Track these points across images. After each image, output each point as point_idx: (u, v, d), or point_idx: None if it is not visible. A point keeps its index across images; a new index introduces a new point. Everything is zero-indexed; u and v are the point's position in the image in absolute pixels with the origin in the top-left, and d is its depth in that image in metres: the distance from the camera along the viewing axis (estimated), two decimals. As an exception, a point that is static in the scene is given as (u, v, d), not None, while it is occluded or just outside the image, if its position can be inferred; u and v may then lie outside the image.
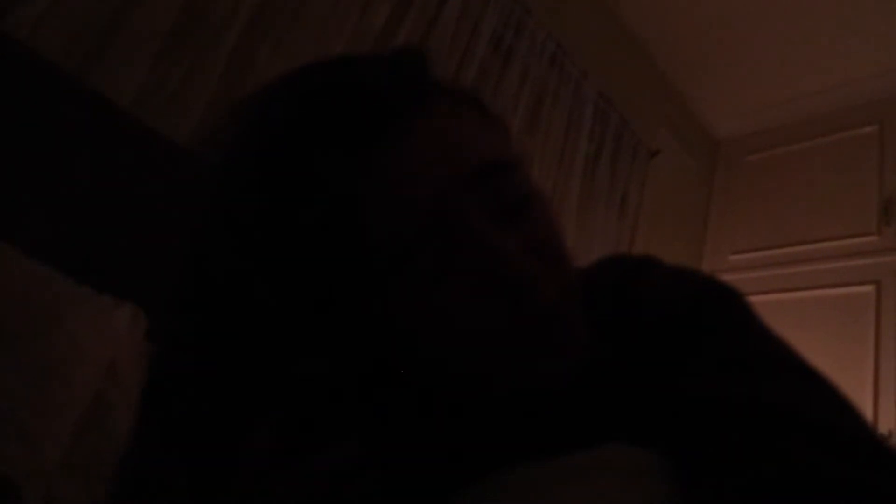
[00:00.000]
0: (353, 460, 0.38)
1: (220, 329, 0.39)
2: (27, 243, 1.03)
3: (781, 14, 2.40)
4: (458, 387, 0.42)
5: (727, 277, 0.44)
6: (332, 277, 0.38)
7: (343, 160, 0.38)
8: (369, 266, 0.38)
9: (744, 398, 0.33)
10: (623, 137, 2.48)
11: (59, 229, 1.12)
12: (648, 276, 0.45)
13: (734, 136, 3.03)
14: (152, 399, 0.42)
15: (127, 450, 0.42)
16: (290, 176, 0.38)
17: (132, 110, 1.29)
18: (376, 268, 0.38)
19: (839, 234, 2.37)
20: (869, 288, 2.20)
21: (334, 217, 0.38)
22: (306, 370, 0.38)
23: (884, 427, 1.91)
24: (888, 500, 0.27)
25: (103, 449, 0.96)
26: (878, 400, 1.98)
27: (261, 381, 0.38)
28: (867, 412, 1.97)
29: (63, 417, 0.95)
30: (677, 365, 0.38)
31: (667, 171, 2.69)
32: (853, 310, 2.19)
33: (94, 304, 1.06)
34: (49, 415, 0.93)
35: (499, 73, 2.04)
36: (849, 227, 2.36)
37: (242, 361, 0.38)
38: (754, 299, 0.42)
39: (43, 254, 1.05)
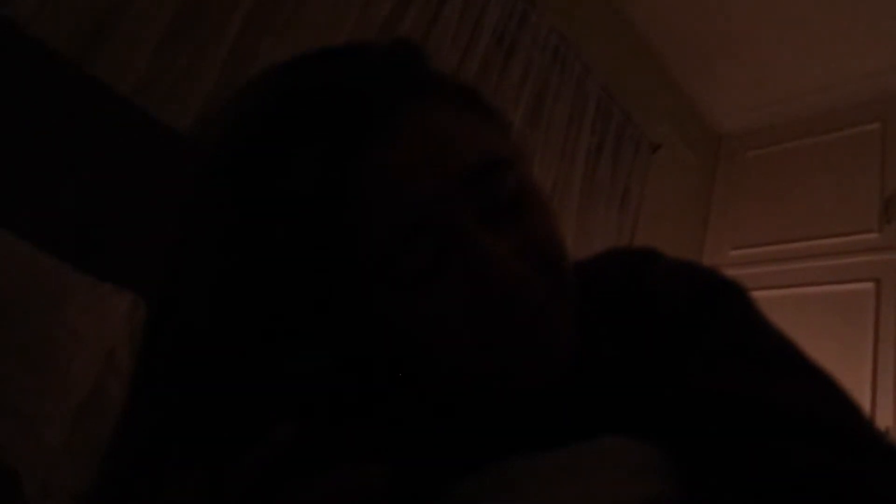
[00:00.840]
0: (351, 454, 0.38)
1: (212, 326, 0.38)
2: (27, 230, 1.03)
3: (786, 10, 2.39)
4: (451, 384, 0.42)
5: (727, 273, 0.43)
6: (321, 278, 0.38)
7: (327, 159, 0.37)
8: (358, 268, 0.38)
9: (745, 394, 0.33)
10: (625, 132, 2.47)
11: (59, 217, 1.12)
12: (651, 269, 0.45)
13: (736, 132, 3.02)
14: (142, 390, 0.41)
15: (115, 443, 0.42)
16: (271, 176, 0.37)
17: (133, 99, 1.28)
18: (365, 269, 0.38)
19: (840, 231, 2.36)
20: (869, 285, 2.20)
21: (318, 220, 0.37)
22: (305, 365, 0.38)
23: (881, 424, 1.91)
24: (888, 495, 0.26)
25: (102, 435, 0.96)
26: (875, 397, 1.98)
27: (256, 376, 0.37)
28: (865, 409, 1.97)
29: (62, 404, 0.95)
30: (679, 359, 0.38)
31: (668, 166, 2.69)
32: (853, 307, 2.19)
33: (94, 291, 1.06)
34: (48, 401, 0.93)
35: (501, 67, 2.03)
36: (849, 224, 2.35)
37: (236, 358, 0.37)
38: (754, 295, 0.42)
39: (42, 241, 1.04)
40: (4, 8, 1.16)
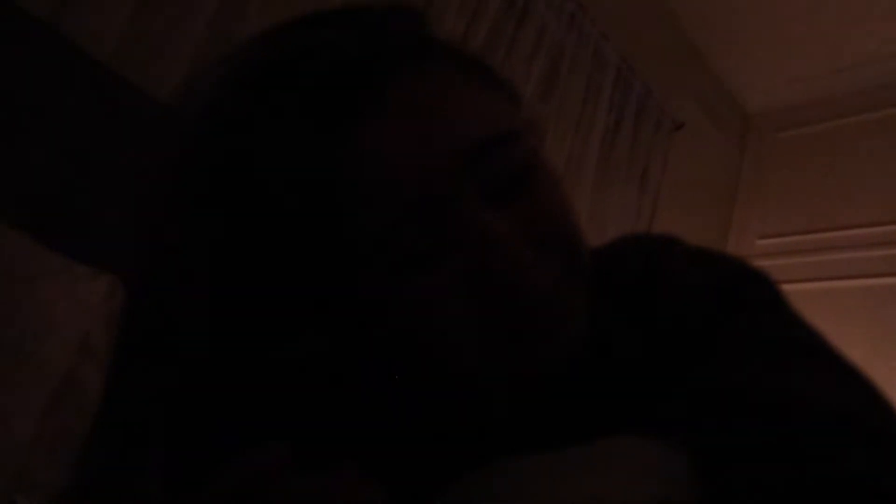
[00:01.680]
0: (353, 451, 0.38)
1: (196, 317, 0.38)
2: (2, 210, 1.04)
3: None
4: (451, 376, 0.42)
5: (754, 263, 0.44)
6: (311, 266, 0.38)
7: (313, 138, 0.37)
8: (350, 253, 0.38)
9: (769, 390, 0.33)
10: (646, 107, 2.46)
11: (31, 193, 1.12)
12: (671, 257, 0.45)
13: (766, 111, 3.00)
14: (121, 385, 0.42)
15: (92, 438, 0.43)
16: (252, 159, 0.38)
17: (110, 63, 1.28)
18: (357, 255, 0.38)
19: (877, 219, 2.36)
20: (906, 279, 2.20)
21: (305, 204, 0.37)
22: (300, 351, 0.39)
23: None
24: None
25: (76, 424, 0.98)
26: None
27: (248, 370, 0.38)
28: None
29: (34, 393, 0.96)
30: (700, 354, 0.38)
31: (692, 145, 2.68)
32: (889, 302, 2.19)
33: (69, 273, 1.06)
34: (19, 390, 0.94)
35: (512, 33, 2.02)
36: (887, 212, 2.34)
37: (224, 351, 0.38)
38: (783, 287, 0.43)
39: (14, 219, 1.05)
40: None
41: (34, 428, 0.94)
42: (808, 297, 2.23)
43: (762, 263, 0.45)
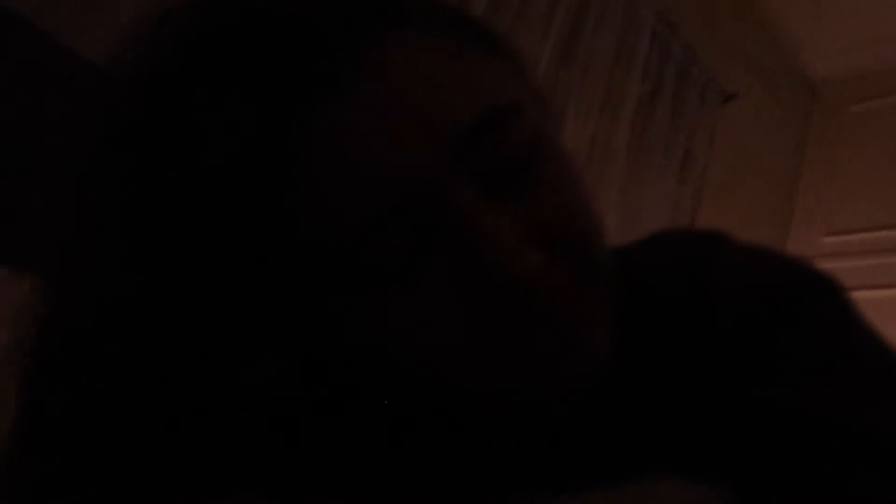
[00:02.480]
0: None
1: (112, 338, 0.38)
2: None
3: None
4: (441, 405, 0.42)
5: (818, 265, 0.44)
6: (257, 281, 0.37)
7: (261, 121, 0.36)
8: (305, 267, 0.38)
9: (832, 421, 0.34)
10: (688, 75, 2.46)
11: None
12: (718, 258, 0.45)
13: (836, 79, 3.02)
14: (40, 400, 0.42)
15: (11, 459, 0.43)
16: (185, 146, 0.36)
17: (35, 22, 1.28)
18: (315, 270, 0.38)
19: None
20: None
21: (249, 205, 0.36)
22: (254, 377, 0.38)
23: None
24: None
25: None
26: None
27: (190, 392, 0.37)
28: None
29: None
30: (749, 375, 0.38)
31: (745, 121, 2.69)
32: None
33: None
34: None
35: (525, -17, 2.03)
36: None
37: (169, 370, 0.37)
38: (853, 295, 0.43)
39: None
40: None
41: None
42: (882, 305, 2.24)
43: (830, 265, 0.45)
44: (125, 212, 0.38)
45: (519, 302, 0.37)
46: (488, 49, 0.43)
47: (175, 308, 0.37)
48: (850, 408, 0.34)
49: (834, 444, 0.33)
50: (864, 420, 0.33)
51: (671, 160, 2.40)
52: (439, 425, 0.44)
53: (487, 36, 0.44)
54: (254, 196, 0.36)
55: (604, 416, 0.43)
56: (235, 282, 0.37)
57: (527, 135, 0.41)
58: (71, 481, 0.37)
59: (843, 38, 2.91)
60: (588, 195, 0.44)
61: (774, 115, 2.89)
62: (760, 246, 0.47)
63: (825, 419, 0.34)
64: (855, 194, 2.71)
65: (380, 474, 0.42)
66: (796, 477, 0.33)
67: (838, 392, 0.36)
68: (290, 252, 0.37)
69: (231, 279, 0.36)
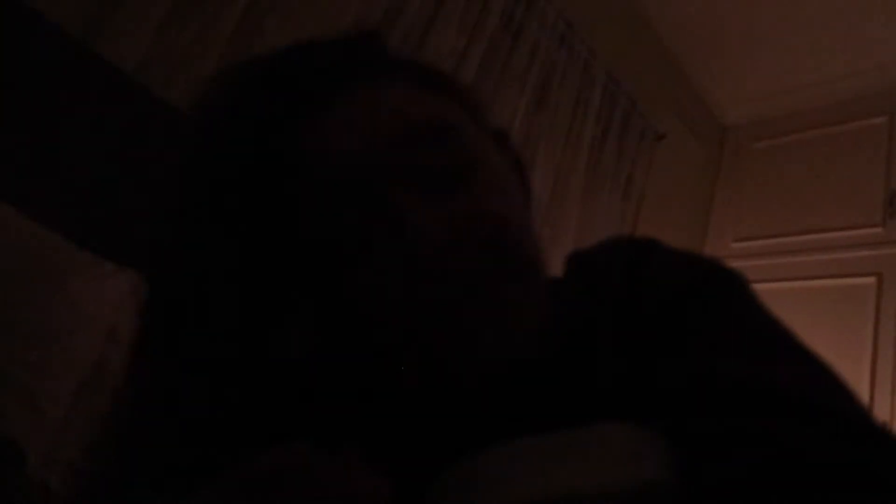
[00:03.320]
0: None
1: (189, 300, 0.39)
2: (30, 208, 1.04)
3: (794, 1, 2.37)
4: (408, 361, 0.41)
5: (729, 264, 0.44)
6: (272, 248, 0.39)
7: (269, 131, 0.39)
8: (296, 239, 0.39)
9: (742, 380, 0.33)
10: (630, 119, 2.46)
11: (62, 195, 1.13)
12: (651, 258, 0.45)
13: (742, 123, 3.01)
14: (139, 370, 0.42)
15: (112, 420, 0.43)
16: (220, 147, 0.40)
17: (136, 76, 1.28)
18: (302, 240, 0.39)
19: (843, 224, 2.36)
20: (870, 279, 2.20)
21: (261, 189, 0.39)
22: (292, 341, 0.38)
23: (878, 419, 1.92)
24: (887, 480, 0.27)
25: (104, 409, 0.98)
26: (874, 392, 1.99)
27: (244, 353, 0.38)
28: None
29: (64, 380, 0.96)
30: (675, 344, 0.38)
31: (673, 155, 2.68)
32: (853, 301, 2.20)
33: (96, 270, 1.06)
34: (50, 378, 0.94)
35: (508, 50, 2.03)
36: (854, 217, 2.35)
37: (224, 334, 0.38)
38: (756, 287, 0.42)
39: (46, 219, 1.05)
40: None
41: (65, 412, 0.95)
42: (779, 295, 2.24)
43: (737, 264, 0.45)
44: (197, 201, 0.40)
45: (441, 276, 0.37)
46: (429, 88, 0.44)
47: (223, 273, 0.38)
48: (753, 367, 0.34)
49: (744, 397, 0.32)
50: (764, 376, 0.33)
51: (617, 184, 2.40)
52: (412, 383, 0.43)
53: (433, 80, 0.45)
54: (266, 179, 0.39)
55: (563, 382, 0.42)
56: (256, 248, 0.38)
57: (457, 148, 0.41)
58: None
59: (748, 92, 2.90)
60: (515, 205, 0.44)
61: (695, 151, 2.88)
62: (684, 249, 0.47)
63: (738, 377, 0.34)
64: (756, 210, 2.71)
65: (379, 425, 0.42)
66: (715, 427, 0.32)
67: (738, 355, 0.35)
68: (283, 225, 0.39)
69: (253, 247, 0.38)
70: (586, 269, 0.46)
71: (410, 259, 0.37)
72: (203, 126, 0.42)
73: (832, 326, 2.14)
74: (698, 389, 0.34)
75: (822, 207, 2.46)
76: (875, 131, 2.48)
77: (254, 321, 0.38)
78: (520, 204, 0.45)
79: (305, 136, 0.40)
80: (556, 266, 0.48)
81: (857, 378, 2.00)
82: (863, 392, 2.00)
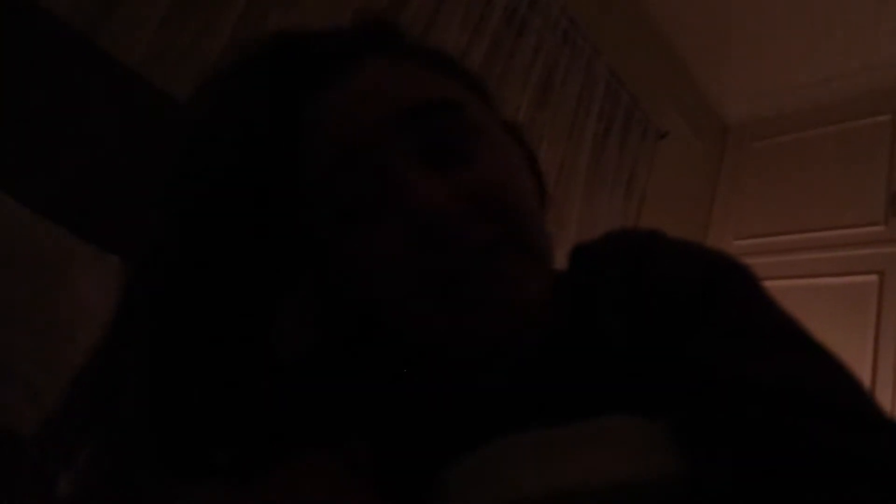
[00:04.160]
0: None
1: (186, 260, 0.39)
2: (35, 201, 1.04)
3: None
4: (411, 334, 0.41)
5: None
6: (278, 209, 0.40)
7: (284, 98, 0.41)
8: (302, 199, 0.40)
9: (752, 374, 0.33)
10: (633, 117, 2.46)
11: (67, 189, 1.12)
12: (656, 248, 0.45)
13: (744, 121, 3.00)
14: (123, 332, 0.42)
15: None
16: (236, 110, 0.41)
17: (139, 71, 1.28)
18: (307, 201, 0.40)
19: (845, 223, 2.36)
20: (872, 278, 2.20)
21: (273, 150, 0.40)
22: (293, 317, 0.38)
23: (879, 416, 1.92)
24: (890, 472, 0.27)
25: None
26: (874, 390, 1.99)
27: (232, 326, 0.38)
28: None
29: (65, 373, 0.96)
30: (683, 337, 0.38)
31: (675, 153, 2.68)
32: (855, 299, 2.20)
33: (100, 263, 1.06)
34: (54, 371, 0.94)
35: (511, 46, 2.02)
36: (856, 216, 2.35)
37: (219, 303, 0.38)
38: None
39: (51, 212, 1.05)
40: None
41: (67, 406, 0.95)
42: (780, 293, 2.22)
43: (739, 261, 0.45)
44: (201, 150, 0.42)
45: (447, 244, 0.37)
46: (435, 68, 0.45)
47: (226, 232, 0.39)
48: (762, 360, 0.34)
49: (751, 390, 0.32)
50: (774, 368, 0.33)
51: (619, 182, 2.39)
52: (415, 362, 0.43)
53: (442, 62, 0.46)
54: (278, 141, 0.40)
55: (569, 372, 0.41)
56: (262, 217, 0.39)
57: (463, 123, 0.42)
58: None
59: (749, 91, 2.90)
60: (519, 176, 0.44)
61: (696, 149, 2.88)
62: (688, 240, 0.47)
63: (746, 370, 0.33)
64: (758, 208, 2.70)
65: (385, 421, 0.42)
66: (722, 419, 0.32)
67: (748, 349, 0.35)
68: (293, 185, 0.40)
69: (258, 214, 0.39)
70: (589, 259, 0.46)
71: (412, 226, 0.38)
72: (216, 93, 0.44)
73: (834, 324, 2.14)
74: (707, 382, 0.34)
75: (825, 206, 2.45)
76: (878, 130, 2.47)
77: (253, 304, 0.38)
78: (528, 187, 0.45)
79: (314, 105, 0.41)
80: (559, 263, 0.47)
81: (857, 372, 1.99)
82: (864, 390, 1.99)
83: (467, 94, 0.45)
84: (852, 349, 2.07)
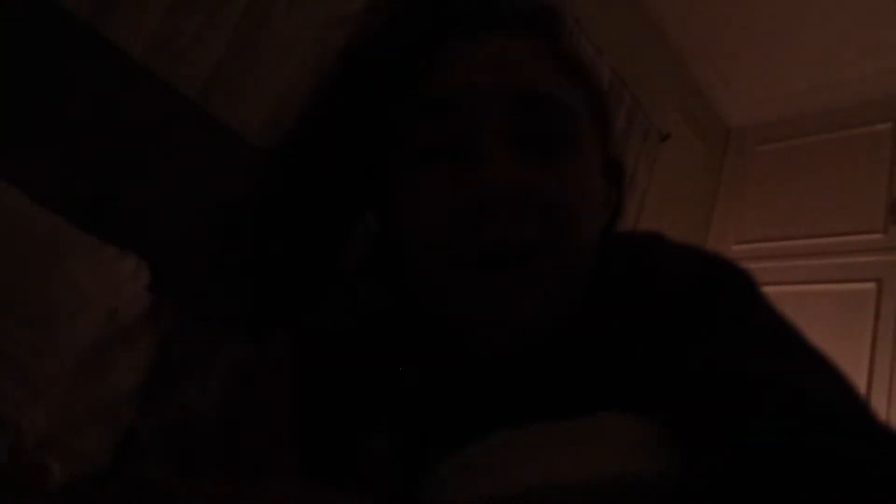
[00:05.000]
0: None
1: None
2: (35, 190, 1.04)
3: (802, 5, 2.37)
4: (438, 292, 0.42)
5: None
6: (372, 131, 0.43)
7: (419, 42, 0.43)
8: (393, 131, 0.43)
9: (746, 375, 0.33)
10: (635, 118, 2.46)
11: (67, 178, 1.13)
12: (658, 250, 0.45)
13: (746, 125, 3.01)
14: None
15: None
16: (374, 47, 0.44)
17: (143, 61, 1.28)
18: (396, 134, 0.42)
19: (845, 230, 2.36)
20: (870, 285, 2.20)
21: (396, 82, 0.43)
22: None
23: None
24: (887, 479, 0.27)
25: (100, 394, 0.98)
26: (870, 397, 1.99)
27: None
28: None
29: (63, 361, 0.96)
30: (681, 339, 0.38)
31: (676, 155, 2.68)
32: (853, 306, 2.20)
33: (98, 253, 1.07)
34: (49, 358, 0.94)
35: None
36: (855, 223, 2.35)
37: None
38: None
39: (50, 201, 1.05)
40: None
41: (64, 395, 0.95)
42: (778, 298, 2.22)
43: (739, 267, 0.45)
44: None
45: (484, 219, 0.39)
46: (570, 73, 0.46)
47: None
48: (758, 364, 0.34)
49: (746, 393, 0.32)
50: (768, 373, 0.33)
51: (620, 183, 2.39)
52: (433, 358, 0.44)
53: (575, 67, 0.47)
54: (402, 76, 0.43)
55: (567, 371, 0.42)
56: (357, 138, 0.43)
57: (564, 132, 0.43)
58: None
59: (753, 95, 2.90)
60: (588, 208, 0.45)
61: (698, 152, 2.88)
62: (690, 243, 0.47)
63: (739, 374, 0.34)
64: (757, 213, 2.70)
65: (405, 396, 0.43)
66: (720, 418, 0.32)
67: (746, 352, 0.35)
68: (389, 112, 0.43)
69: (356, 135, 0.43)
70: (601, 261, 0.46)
71: (472, 194, 0.39)
72: (359, 40, 0.46)
73: (831, 331, 2.14)
74: (703, 384, 0.34)
75: (824, 212, 2.45)
76: (879, 138, 2.47)
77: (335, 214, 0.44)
78: (591, 220, 0.45)
79: (445, 50, 0.43)
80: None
81: (853, 379, 2.00)
82: (859, 397, 1.99)
83: (584, 107, 0.46)
84: (849, 356, 2.07)
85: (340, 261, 0.44)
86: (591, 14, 2.26)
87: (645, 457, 0.33)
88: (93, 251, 1.06)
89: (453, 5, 0.45)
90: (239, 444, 0.41)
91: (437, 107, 0.42)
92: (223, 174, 1.33)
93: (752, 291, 0.41)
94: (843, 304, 2.22)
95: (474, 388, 0.44)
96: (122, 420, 0.97)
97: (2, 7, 1.08)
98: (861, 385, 2.02)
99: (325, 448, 0.40)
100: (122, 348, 1.02)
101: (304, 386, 0.42)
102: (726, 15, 2.52)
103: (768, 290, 0.42)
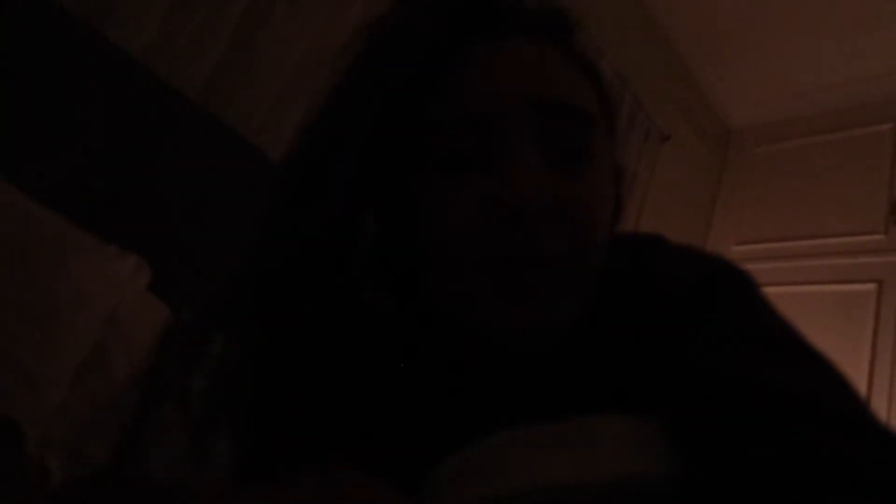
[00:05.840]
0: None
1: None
2: (36, 189, 1.04)
3: (803, 5, 2.37)
4: (456, 297, 0.42)
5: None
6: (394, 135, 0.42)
7: (439, 44, 0.42)
8: (419, 137, 0.41)
9: (748, 376, 0.33)
10: (636, 119, 2.46)
11: (68, 177, 1.13)
12: (659, 251, 0.45)
13: (747, 126, 3.01)
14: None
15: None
16: (395, 49, 0.43)
17: (143, 61, 1.28)
18: (423, 140, 0.41)
19: (845, 230, 2.36)
20: (871, 286, 2.20)
21: (414, 87, 0.42)
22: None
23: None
24: (887, 479, 0.27)
25: (101, 394, 0.98)
26: (870, 398, 1.99)
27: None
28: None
29: (63, 361, 0.96)
30: (681, 339, 0.38)
31: (677, 156, 2.68)
32: (853, 307, 2.20)
33: (99, 252, 1.07)
34: (50, 358, 0.95)
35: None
36: (855, 224, 2.35)
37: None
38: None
39: (51, 200, 1.05)
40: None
41: (64, 394, 0.95)
42: (778, 299, 2.22)
43: (738, 267, 0.45)
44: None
45: (511, 227, 0.38)
46: (591, 81, 0.46)
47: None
48: (757, 365, 0.34)
49: (746, 395, 0.32)
50: (768, 374, 0.33)
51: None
52: (443, 361, 0.44)
53: (594, 74, 0.48)
54: (420, 80, 0.42)
55: (567, 372, 0.42)
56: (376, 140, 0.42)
57: (588, 141, 0.43)
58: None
59: (753, 97, 2.90)
60: (605, 212, 0.45)
61: (699, 153, 2.88)
62: (690, 244, 0.47)
63: (738, 375, 0.34)
64: (758, 214, 2.71)
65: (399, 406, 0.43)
66: (720, 420, 0.32)
67: (739, 353, 0.36)
68: (416, 119, 0.42)
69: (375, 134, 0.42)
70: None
71: (499, 199, 0.38)
72: (380, 36, 0.45)
73: (831, 332, 2.14)
74: (703, 385, 0.34)
75: (825, 213, 2.45)
76: (880, 139, 2.47)
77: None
78: (607, 223, 0.45)
79: (465, 55, 0.42)
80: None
81: (853, 380, 2.00)
82: (859, 399, 1.99)
83: (601, 115, 0.46)
84: (849, 357, 2.07)
85: (347, 262, 0.43)
86: (592, 14, 2.26)
87: (645, 458, 0.33)
88: (93, 251, 1.06)
89: (474, 9, 0.44)
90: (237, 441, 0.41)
91: (464, 113, 0.41)
92: (223, 174, 1.34)
93: (753, 292, 0.41)
94: (844, 305, 2.22)
95: (475, 389, 0.44)
96: (122, 420, 0.97)
97: (2, 7, 1.08)
98: (862, 386, 2.02)
99: (313, 448, 0.40)
100: (122, 348, 1.03)
101: (292, 383, 0.42)
102: (728, 16, 2.52)
103: (769, 290, 0.42)
